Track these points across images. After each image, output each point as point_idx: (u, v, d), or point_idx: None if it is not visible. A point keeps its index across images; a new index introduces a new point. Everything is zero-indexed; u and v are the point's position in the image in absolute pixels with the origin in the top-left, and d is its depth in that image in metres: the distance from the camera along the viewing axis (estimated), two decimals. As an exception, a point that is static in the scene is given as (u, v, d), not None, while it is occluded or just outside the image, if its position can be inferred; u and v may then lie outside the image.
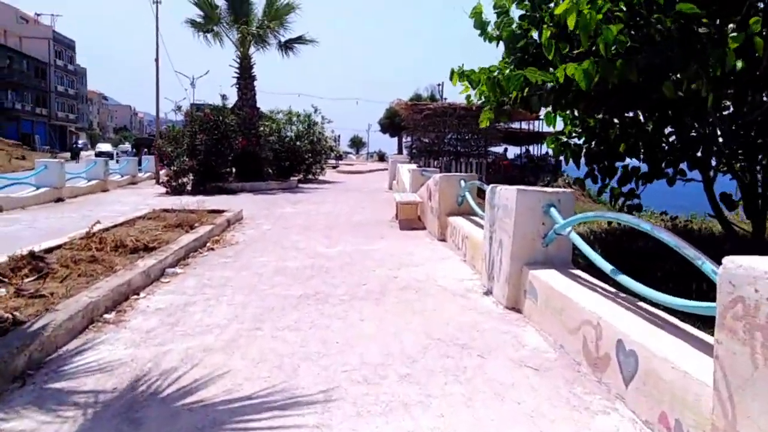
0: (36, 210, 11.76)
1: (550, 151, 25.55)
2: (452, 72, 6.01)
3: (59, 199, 13.27)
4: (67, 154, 51.63)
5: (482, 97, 6.50)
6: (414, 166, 14.04)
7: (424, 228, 9.20)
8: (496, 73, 5.34)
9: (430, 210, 8.73)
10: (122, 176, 19.47)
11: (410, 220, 9.37)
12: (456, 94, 22.27)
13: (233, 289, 5.31)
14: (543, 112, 6.47)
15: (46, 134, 65.10)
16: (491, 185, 5.44)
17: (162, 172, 16.50)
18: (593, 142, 6.74)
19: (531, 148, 30.30)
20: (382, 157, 57.67)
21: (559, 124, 7.25)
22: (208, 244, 7.54)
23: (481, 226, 6.84)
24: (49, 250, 5.87)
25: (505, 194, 4.86)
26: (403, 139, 51.04)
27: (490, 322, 4.30)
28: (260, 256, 6.88)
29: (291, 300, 4.92)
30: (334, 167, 34.97)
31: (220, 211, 9.99)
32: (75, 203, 13.20)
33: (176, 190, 15.37)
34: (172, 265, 6.11)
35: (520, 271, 4.64)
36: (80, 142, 68.86)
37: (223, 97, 16.53)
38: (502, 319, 4.39)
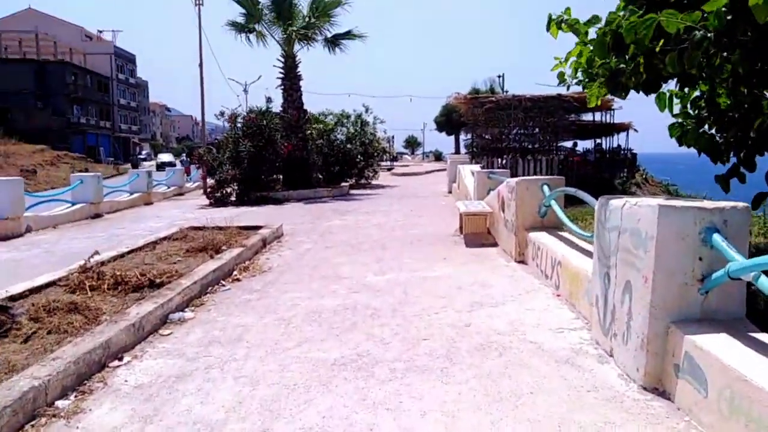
0: (67, 228, 10.90)
1: (622, 144, 22.90)
2: (549, 20, 4.41)
3: (96, 215, 12.44)
4: (128, 166, 52.83)
5: (582, 71, 4.85)
6: (477, 167, 12.41)
7: (495, 244, 7.58)
8: (613, 25, 3.67)
9: (503, 223, 7.10)
10: (168, 187, 18.76)
11: (478, 234, 7.77)
12: (519, 87, 20.64)
13: (248, 347, 3.91)
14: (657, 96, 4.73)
15: (110, 146, 67.13)
16: (603, 197, 3.80)
17: (195, 184, 15.51)
18: (732, 130, 4.93)
19: (601, 141, 27.81)
20: (438, 157, 55.94)
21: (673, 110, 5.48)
22: (234, 273, 6.23)
23: (578, 247, 5.19)
24: (23, 295, 4.67)
25: (635, 212, 3.23)
26: (461, 137, 49.04)
27: (630, 426, 2.68)
28: (292, 290, 5.48)
29: (322, 370, 3.46)
30: (388, 169, 33.58)
31: (256, 228, 8.71)
32: (111, 219, 12.33)
33: (219, 201, 14.34)
34: (180, 307, 4.80)
35: (666, 332, 3.00)
36: (143, 152, 70.70)
37: (268, 99, 15.46)
38: (646, 418, 2.75)
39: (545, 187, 6.33)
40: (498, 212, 7.47)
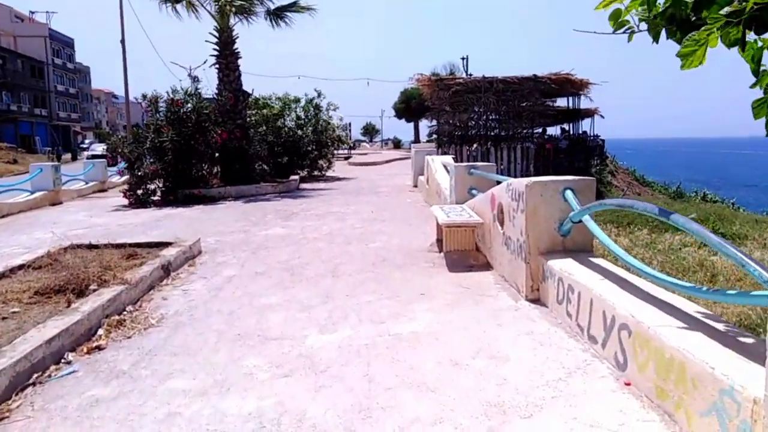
0: None
1: (588, 131, 21.30)
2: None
3: (-25, 223, 9.81)
4: (69, 156, 48.90)
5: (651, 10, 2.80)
6: (449, 158, 10.37)
7: (487, 266, 5.54)
8: None
9: (501, 240, 5.06)
10: (87, 183, 16.03)
11: (464, 252, 5.71)
12: (483, 70, 18.54)
13: None
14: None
15: (48, 135, 62.47)
16: None
17: (122, 178, 12.97)
18: None
19: (568, 127, 26.30)
20: (397, 144, 54.01)
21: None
22: (99, 333, 3.99)
23: (642, 293, 3.18)
24: None
25: None
26: (426, 123, 47.16)
27: None
28: (180, 373, 3.30)
29: None
30: (345, 158, 31.31)
31: (160, 246, 6.43)
32: (-7, 228, 9.73)
33: (140, 202, 11.86)
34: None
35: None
36: (86, 141, 66.06)
37: (194, 78, 12.88)
38: None
39: (568, 193, 4.31)
40: (492, 224, 5.42)
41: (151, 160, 11.81)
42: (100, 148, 39.00)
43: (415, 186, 13.57)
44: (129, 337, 3.95)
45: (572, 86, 16.94)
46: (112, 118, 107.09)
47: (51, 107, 65.81)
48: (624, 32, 2.92)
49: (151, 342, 3.85)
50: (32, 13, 70.43)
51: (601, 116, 26.11)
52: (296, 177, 15.48)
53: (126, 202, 12.05)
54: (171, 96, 12.22)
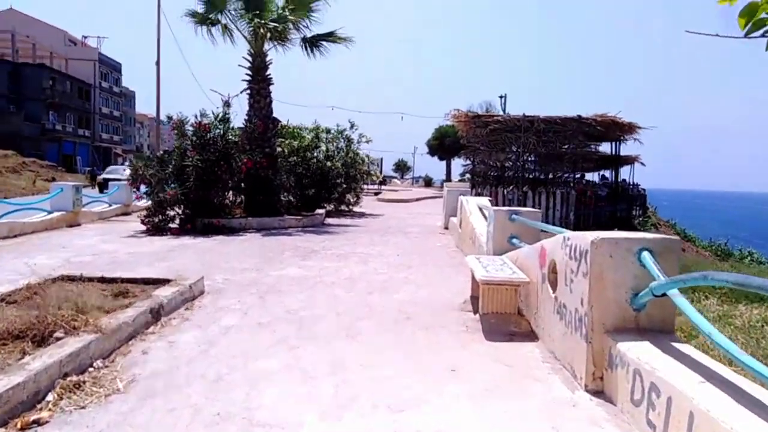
0: None
1: (628, 178, 20.11)
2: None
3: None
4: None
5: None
6: (486, 200, 9.51)
7: (531, 335, 4.62)
8: None
9: (553, 307, 4.14)
10: (110, 205, 15.63)
11: (505, 317, 4.79)
12: (521, 110, 17.65)
13: None
14: None
15: (89, 156, 63.94)
16: None
17: (147, 202, 12.46)
18: None
19: (608, 174, 25.16)
20: (429, 183, 53.35)
21: None
22: (48, 398, 3.20)
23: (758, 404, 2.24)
24: None
25: None
26: (458, 162, 46.35)
27: None
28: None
29: None
30: (375, 194, 30.69)
31: (159, 282, 5.70)
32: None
33: (157, 228, 11.28)
34: None
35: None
36: (125, 163, 67.13)
37: (226, 103, 12.34)
38: None
39: (646, 256, 3.40)
40: (540, 285, 4.51)
41: (173, 185, 11.25)
42: (117, 172, 30.80)
43: (446, 228, 12.70)
44: (83, 407, 3.15)
45: (619, 129, 15.99)
46: (154, 142, 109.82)
47: (94, 128, 67.58)
48: (762, 35, 2.07)
49: (107, 417, 3.04)
50: (85, 37, 73.23)
51: (642, 164, 24.95)
52: (322, 211, 14.77)
53: (143, 228, 11.49)
54: (198, 120, 11.74)
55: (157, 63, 28.99)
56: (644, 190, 23.38)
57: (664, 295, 3.18)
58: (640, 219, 19.84)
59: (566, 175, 16.91)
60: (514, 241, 6.31)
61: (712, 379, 2.71)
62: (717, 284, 3.02)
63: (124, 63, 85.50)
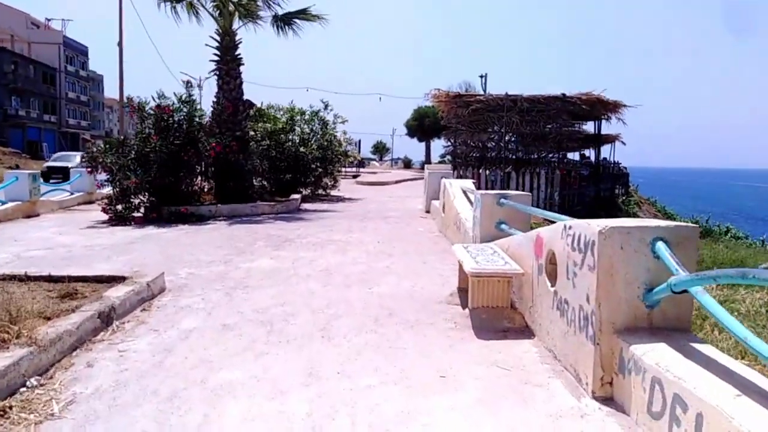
0: None
1: (607, 157, 19.76)
2: None
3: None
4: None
5: None
6: (470, 183, 9.04)
7: (526, 330, 4.21)
8: None
9: (553, 303, 3.71)
10: (72, 194, 14.84)
11: (496, 311, 4.36)
12: (503, 90, 17.11)
13: None
14: None
15: (56, 142, 61.95)
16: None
17: (104, 190, 11.78)
18: None
19: (588, 153, 24.94)
20: (408, 164, 52.87)
21: None
22: (-36, 430, 2.68)
23: None
24: None
25: None
26: (438, 143, 45.88)
27: None
28: None
29: None
30: (353, 177, 30.11)
31: (113, 280, 5.15)
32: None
33: (120, 218, 10.60)
34: None
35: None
36: (95, 149, 65.24)
37: (188, 84, 11.54)
38: None
39: (660, 246, 2.98)
40: (536, 277, 4.08)
41: (135, 172, 10.57)
42: (74, 158, 26.22)
43: (428, 211, 12.25)
44: (4, 442, 2.63)
45: (604, 108, 15.64)
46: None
47: (61, 114, 65.53)
48: None
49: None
50: (48, 20, 70.43)
51: (623, 143, 24.77)
52: (297, 196, 14.18)
53: (105, 217, 10.80)
54: (157, 102, 11.01)
55: (120, 44, 27.79)
56: (625, 168, 23.22)
57: (685, 291, 2.77)
58: (624, 198, 19.66)
59: (550, 155, 16.55)
60: (503, 227, 5.88)
61: (749, 392, 2.30)
62: (759, 284, 2.60)
63: (91, 46, 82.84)
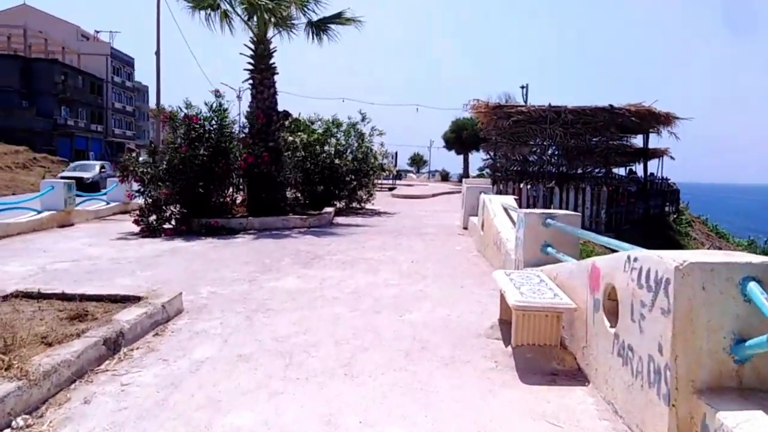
0: None
1: (656, 173, 18.67)
2: None
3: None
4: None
5: None
6: (512, 200, 8.48)
7: (578, 375, 3.67)
8: None
9: (613, 348, 3.17)
10: (108, 204, 14.88)
11: (544, 350, 3.83)
12: (546, 100, 16.33)
13: None
14: None
15: (102, 151, 63.79)
16: None
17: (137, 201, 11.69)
18: None
19: (635, 168, 23.85)
20: (445, 177, 52.24)
21: None
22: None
23: None
24: None
25: None
26: (476, 156, 45.14)
27: None
28: None
29: None
30: (390, 189, 29.71)
31: (128, 300, 4.83)
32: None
33: (151, 229, 10.44)
34: None
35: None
36: (126, 158, 66.77)
37: (216, 93, 11.37)
38: None
39: (752, 288, 2.43)
40: (591, 313, 3.55)
41: (166, 183, 10.40)
42: (94, 168, 25.34)
43: (465, 228, 11.72)
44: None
45: (654, 120, 14.81)
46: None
47: (107, 123, 67.50)
48: None
49: None
50: (97, 32, 72.91)
51: (671, 157, 23.60)
52: (330, 209, 13.84)
53: (137, 228, 10.66)
54: (185, 111, 10.82)
55: (157, 53, 28.17)
56: (675, 184, 22.07)
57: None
58: (675, 216, 18.64)
59: (596, 170, 15.75)
60: (549, 250, 5.34)
61: None
62: None
63: (137, 58, 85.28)
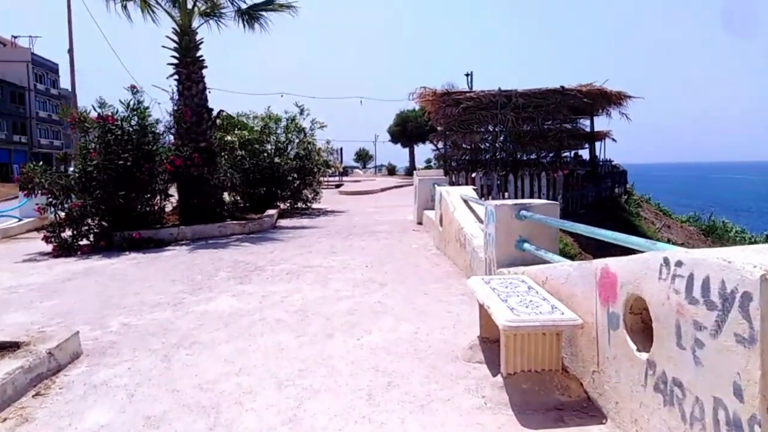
0: None
1: (598, 155, 18.51)
2: None
3: None
4: None
5: None
6: (470, 191, 7.68)
7: (585, 402, 2.86)
8: None
9: (645, 379, 2.36)
10: (21, 220, 13.30)
11: (542, 376, 3.01)
12: (493, 87, 15.70)
13: None
14: None
15: (27, 163, 59.64)
16: None
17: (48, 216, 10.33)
18: None
19: (580, 150, 23.76)
20: (392, 171, 51.48)
21: None
22: None
23: None
24: None
25: None
26: (423, 148, 44.63)
27: None
28: None
29: None
30: (337, 186, 28.68)
31: (4, 349, 3.71)
32: None
33: (65, 247, 9.11)
34: None
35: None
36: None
37: (133, 89, 10.01)
38: None
39: None
40: (602, 328, 2.75)
41: (78, 194, 9.09)
42: None
43: (420, 223, 10.90)
44: None
45: (606, 100, 14.44)
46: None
47: (32, 134, 63.55)
48: None
49: None
50: (15, 37, 68.25)
51: (613, 140, 23.65)
52: (273, 212, 12.73)
53: (49, 248, 9.28)
54: (98, 112, 9.49)
55: (70, 51, 25.96)
56: (620, 165, 22.07)
57: None
58: (626, 198, 18.53)
59: (550, 155, 15.29)
60: (526, 246, 4.55)
61: None
62: None
63: (62, 63, 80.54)
